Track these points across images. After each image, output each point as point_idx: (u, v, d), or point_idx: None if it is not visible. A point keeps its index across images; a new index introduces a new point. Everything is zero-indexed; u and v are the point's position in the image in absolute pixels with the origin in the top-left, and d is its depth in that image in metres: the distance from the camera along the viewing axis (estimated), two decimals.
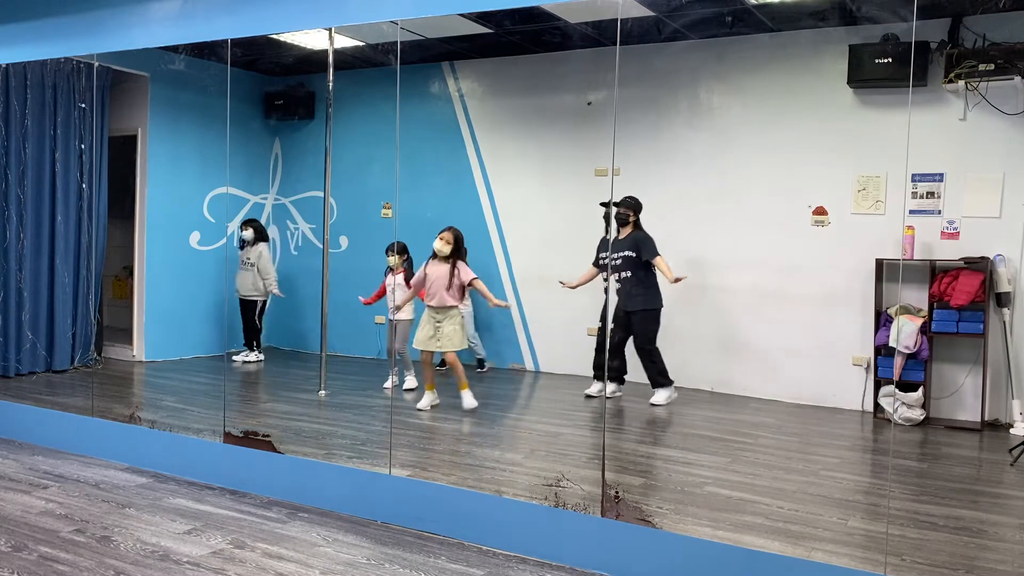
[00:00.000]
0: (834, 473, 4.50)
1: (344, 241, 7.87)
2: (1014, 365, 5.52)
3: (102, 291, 7.22)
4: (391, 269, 6.22)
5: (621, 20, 4.36)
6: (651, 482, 4.25)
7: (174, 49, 6.07)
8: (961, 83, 5.56)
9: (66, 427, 4.99)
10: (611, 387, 6.11)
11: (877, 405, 5.72)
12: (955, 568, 3.23)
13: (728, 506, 3.88)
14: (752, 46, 6.28)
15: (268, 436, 4.41)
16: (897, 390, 5.54)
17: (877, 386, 5.75)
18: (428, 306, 5.60)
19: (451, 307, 5.55)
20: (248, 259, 7.40)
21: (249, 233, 7.37)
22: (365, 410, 5.80)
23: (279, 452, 4.29)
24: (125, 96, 7.32)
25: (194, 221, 7.64)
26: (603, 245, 6.09)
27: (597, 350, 6.22)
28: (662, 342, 6.03)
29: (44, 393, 6.02)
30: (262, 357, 7.46)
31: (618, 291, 5.99)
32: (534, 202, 7.18)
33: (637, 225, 6.01)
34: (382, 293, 6.33)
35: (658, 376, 5.91)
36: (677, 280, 5.79)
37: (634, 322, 5.96)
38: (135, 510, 3.91)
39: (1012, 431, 5.39)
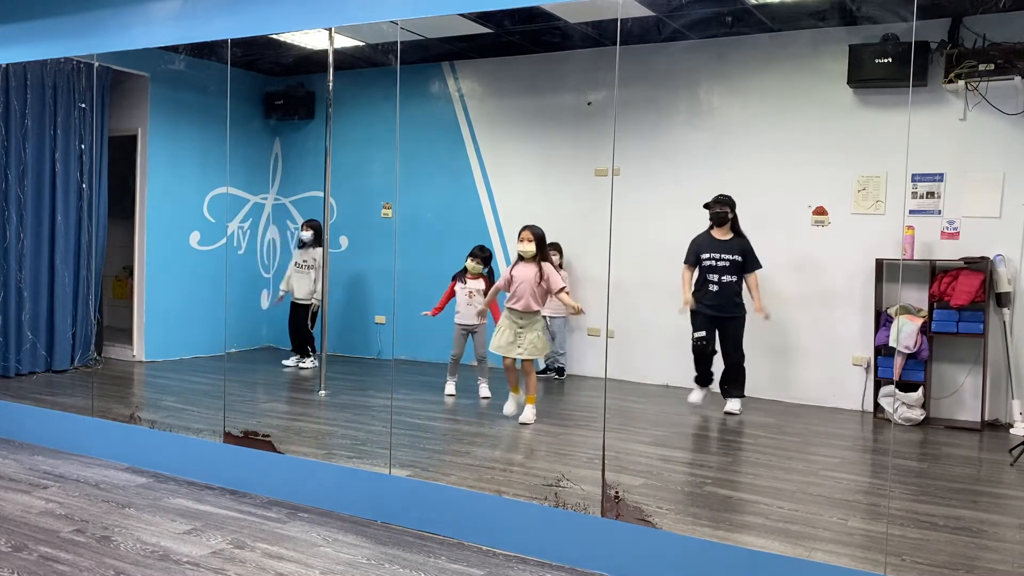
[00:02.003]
0: (834, 473, 4.50)
1: (344, 241, 7.87)
2: (1014, 365, 5.52)
3: (102, 291, 7.22)
4: (466, 272, 6.01)
5: (621, 20, 4.36)
6: (651, 482, 4.25)
7: (174, 49, 6.07)
8: (961, 83, 5.56)
9: (66, 427, 4.99)
10: (703, 393, 5.84)
11: (877, 405, 5.72)
12: (955, 568, 3.23)
13: (728, 506, 3.88)
14: (752, 46, 6.28)
15: (268, 436, 4.41)
16: (897, 390, 5.54)
17: (877, 386, 5.75)
18: (511, 309, 5.34)
19: (535, 312, 5.32)
20: (305, 261, 7.21)
21: (309, 234, 7.16)
22: (365, 410, 5.80)
23: (279, 452, 4.29)
24: (125, 96, 7.32)
25: (194, 221, 7.64)
26: (703, 244, 5.78)
27: (703, 358, 5.81)
28: (662, 341, 6.04)
29: (44, 393, 6.02)
30: (316, 363, 7.18)
31: (713, 293, 5.70)
32: (534, 202, 7.18)
33: (736, 224, 5.76)
34: (448, 299, 6.07)
35: (741, 387, 5.74)
36: (762, 313, 5.62)
37: (728, 328, 5.71)
38: (135, 510, 3.91)
39: (1012, 431, 5.39)
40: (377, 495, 3.87)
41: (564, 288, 5.34)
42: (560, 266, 6.63)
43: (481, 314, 5.94)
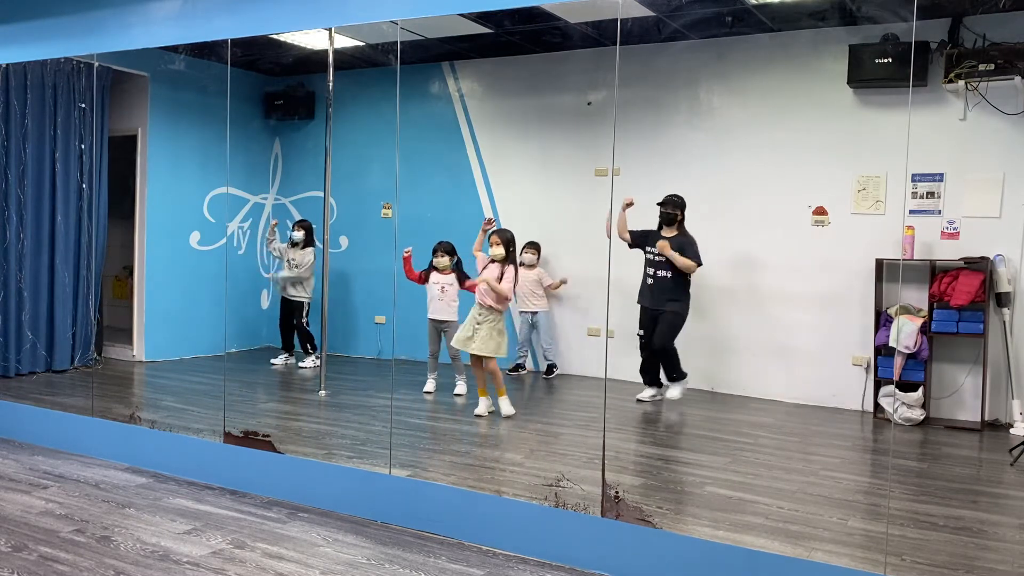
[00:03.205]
0: (834, 473, 4.50)
1: (344, 241, 7.87)
2: (1014, 365, 5.52)
3: (102, 291, 7.23)
4: (435, 269, 6.07)
5: (621, 20, 4.36)
6: (651, 482, 4.25)
7: (174, 49, 6.07)
8: (961, 83, 5.56)
9: (66, 427, 4.99)
10: (650, 391, 6.02)
11: (877, 405, 5.72)
12: (955, 568, 3.23)
13: (728, 506, 3.88)
14: (752, 46, 6.28)
15: (268, 436, 4.41)
16: (897, 390, 5.54)
17: (877, 386, 5.75)
18: (477, 304, 5.54)
19: (492, 309, 5.46)
20: (293, 260, 7.27)
21: (300, 234, 7.23)
22: (365, 410, 5.80)
23: (279, 452, 4.29)
24: (125, 96, 7.32)
25: (194, 221, 7.64)
26: (650, 237, 5.95)
27: (644, 356, 6.05)
28: None
29: (44, 393, 6.02)
30: (318, 362, 7.11)
31: (649, 287, 5.92)
32: (534, 202, 7.19)
33: (682, 225, 5.92)
34: (411, 270, 6.16)
35: (672, 372, 5.91)
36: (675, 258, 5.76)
37: (659, 321, 5.87)
38: (135, 510, 3.91)
39: (1012, 431, 5.39)
40: (377, 495, 3.87)
41: (507, 300, 5.51)
42: (536, 264, 6.83)
43: (452, 311, 6.05)
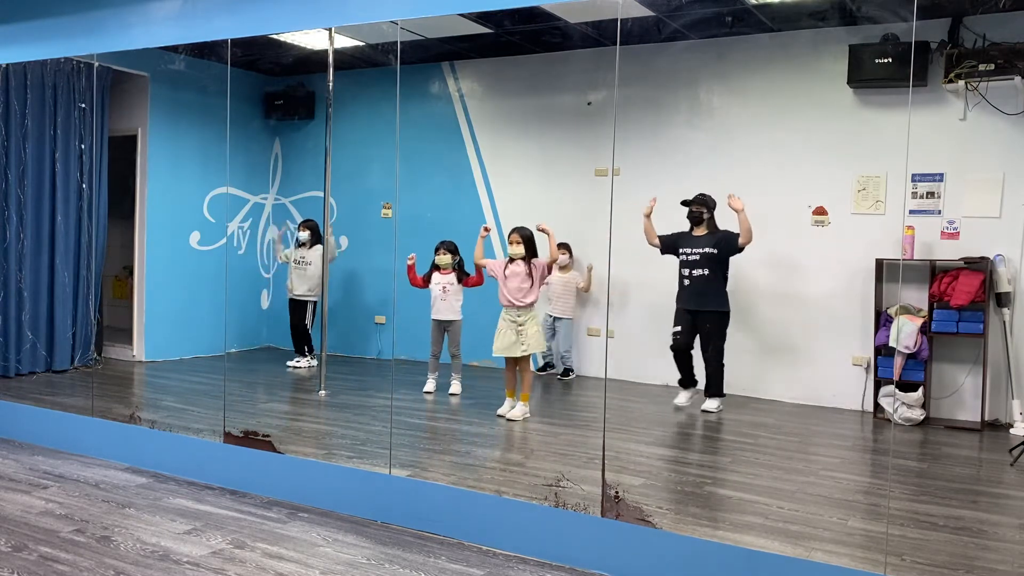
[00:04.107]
0: (834, 473, 4.50)
1: (344, 241, 7.87)
2: (1014, 365, 5.52)
3: (102, 291, 7.23)
4: (437, 269, 6.08)
5: (621, 20, 4.36)
6: (651, 482, 4.25)
7: (174, 49, 6.08)
8: (961, 83, 5.57)
9: (66, 427, 4.99)
10: (687, 394, 5.87)
11: (877, 405, 5.72)
12: (955, 568, 3.23)
13: (728, 506, 3.88)
14: (752, 46, 6.28)
15: (268, 436, 4.41)
16: (897, 390, 5.54)
17: (877, 386, 5.75)
18: (507, 307, 5.48)
19: (530, 305, 5.46)
20: (303, 258, 7.23)
21: (306, 234, 7.19)
22: (365, 410, 5.80)
23: (279, 452, 4.29)
24: (125, 96, 7.32)
25: (194, 221, 7.64)
26: (680, 239, 5.84)
27: (680, 356, 5.84)
28: (661, 341, 6.03)
29: (44, 393, 6.02)
30: (315, 363, 7.15)
31: (687, 288, 5.77)
32: (534, 202, 7.18)
33: (713, 222, 5.79)
34: (413, 276, 6.09)
35: (717, 387, 5.75)
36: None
37: (706, 323, 5.72)
38: (135, 510, 3.91)
39: (1012, 431, 5.39)
40: (377, 495, 3.87)
41: (554, 260, 5.55)
42: (569, 266, 6.77)
43: (455, 310, 6.04)
